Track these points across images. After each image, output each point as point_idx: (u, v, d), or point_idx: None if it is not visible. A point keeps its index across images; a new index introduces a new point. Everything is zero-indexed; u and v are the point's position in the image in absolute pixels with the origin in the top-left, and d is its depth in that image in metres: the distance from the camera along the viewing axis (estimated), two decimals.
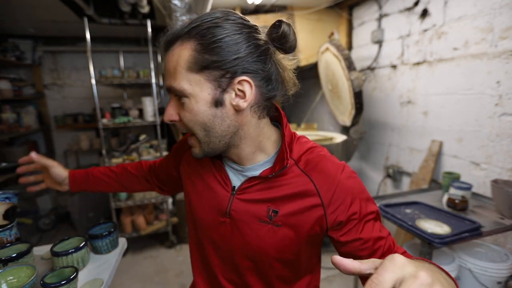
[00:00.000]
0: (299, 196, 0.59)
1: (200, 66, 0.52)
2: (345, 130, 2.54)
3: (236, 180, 0.65)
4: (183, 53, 0.52)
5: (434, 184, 1.93)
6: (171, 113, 0.57)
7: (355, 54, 2.65)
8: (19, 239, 0.97)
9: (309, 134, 2.69)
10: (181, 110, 0.56)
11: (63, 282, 0.77)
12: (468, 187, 1.45)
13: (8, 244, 0.90)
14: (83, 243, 0.97)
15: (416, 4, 1.99)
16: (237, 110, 0.55)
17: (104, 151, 2.37)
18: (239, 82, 0.53)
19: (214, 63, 0.52)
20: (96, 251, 1.05)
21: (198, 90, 0.53)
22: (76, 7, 2.39)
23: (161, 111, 3.08)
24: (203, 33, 0.51)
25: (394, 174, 2.27)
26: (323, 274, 2.16)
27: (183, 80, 0.53)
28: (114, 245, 1.09)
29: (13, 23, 2.84)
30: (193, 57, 0.52)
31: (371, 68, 2.47)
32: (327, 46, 2.27)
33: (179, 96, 0.55)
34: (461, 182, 1.50)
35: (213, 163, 0.68)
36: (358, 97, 2.14)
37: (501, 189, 1.31)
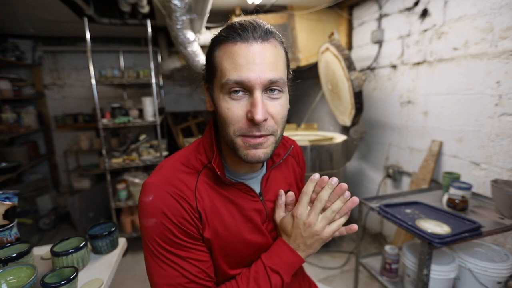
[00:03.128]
0: (290, 166, 0.77)
1: (288, 66, 0.58)
2: (345, 130, 2.54)
3: (256, 188, 0.67)
4: (281, 49, 0.56)
5: (434, 184, 1.93)
6: (265, 111, 0.52)
7: (355, 54, 2.65)
8: (19, 239, 0.97)
9: (309, 134, 2.68)
10: (269, 107, 0.54)
11: (63, 282, 0.77)
12: (468, 187, 1.45)
13: (8, 244, 0.90)
14: (83, 243, 0.97)
15: (416, 4, 1.99)
16: None
17: (104, 151, 2.37)
18: None
19: (289, 67, 0.59)
20: (96, 251, 1.06)
21: (286, 87, 0.58)
22: (76, 7, 2.39)
23: (161, 111, 3.08)
24: (281, 40, 0.57)
25: (394, 174, 2.27)
26: (323, 274, 2.15)
27: (283, 74, 0.55)
28: (114, 245, 1.09)
29: (13, 23, 2.84)
30: (286, 56, 0.58)
31: (371, 68, 2.47)
32: (327, 46, 2.27)
33: (272, 90, 0.53)
34: (461, 182, 1.50)
35: (228, 189, 0.63)
36: (358, 97, 2.14)
37: (501, 189, 1.31)
